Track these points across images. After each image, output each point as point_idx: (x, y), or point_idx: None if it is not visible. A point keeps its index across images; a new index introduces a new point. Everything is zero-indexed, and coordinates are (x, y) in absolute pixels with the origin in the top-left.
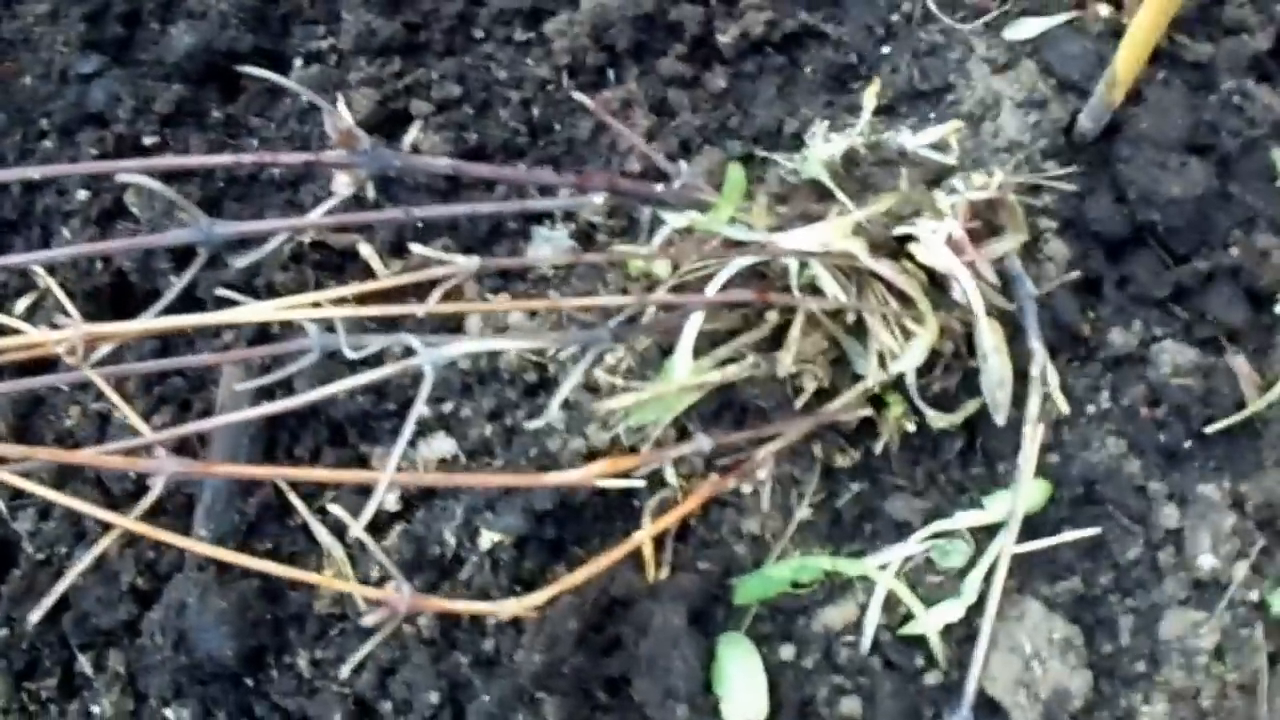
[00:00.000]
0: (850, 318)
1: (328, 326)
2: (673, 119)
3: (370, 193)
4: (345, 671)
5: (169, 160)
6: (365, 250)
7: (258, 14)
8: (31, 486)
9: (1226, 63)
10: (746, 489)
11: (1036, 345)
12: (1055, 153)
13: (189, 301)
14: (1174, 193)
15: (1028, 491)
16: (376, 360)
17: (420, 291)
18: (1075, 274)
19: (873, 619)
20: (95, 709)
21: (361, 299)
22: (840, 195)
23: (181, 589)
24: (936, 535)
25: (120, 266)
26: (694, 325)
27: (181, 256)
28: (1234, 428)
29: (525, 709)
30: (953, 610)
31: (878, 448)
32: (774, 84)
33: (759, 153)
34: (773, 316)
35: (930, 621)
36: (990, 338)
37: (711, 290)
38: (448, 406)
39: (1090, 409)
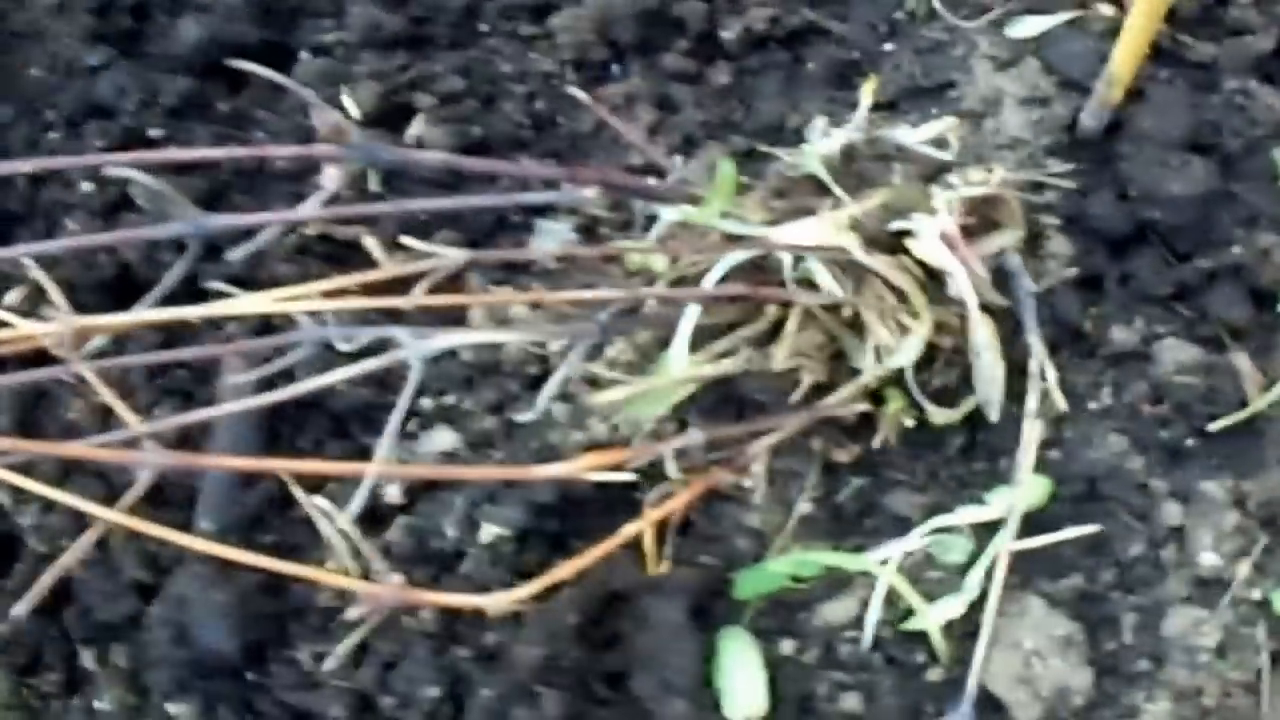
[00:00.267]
0: (847, 313)
1: (324, 319)
2: (676, 114)
3: (374, 185)
4: (331, 664)
5: (165, 154)
6: (369, 242)
7: (265, 7)
8: (24, 482)
9: (1230, 63)
10: (748, 483)
11: (1035, 341)
12: (1057, 150)
13: (192, 294)
14: (1176, 191)
15: (1027, 488)
16: (378, 352)
17: (419, 284)
18: (1076, 271)
19: (873, 614)
20: (98, 705)
21: (361, 291)
22: (837, 190)
23: (183, 582)
24: (937, 531)
25: (125, 259)
26: (689, 319)
27: (185, 248)
28: (1236, 426)
29: (525, 703)
30: (954, 606)
31: (878, 442)
32: (777, 80)
33: (761, 148)
34: (771, 311)
35: (931, 617)
36: (983, 333)
37: (707, 285)
38: (449, 399)
39: (1092, 406)
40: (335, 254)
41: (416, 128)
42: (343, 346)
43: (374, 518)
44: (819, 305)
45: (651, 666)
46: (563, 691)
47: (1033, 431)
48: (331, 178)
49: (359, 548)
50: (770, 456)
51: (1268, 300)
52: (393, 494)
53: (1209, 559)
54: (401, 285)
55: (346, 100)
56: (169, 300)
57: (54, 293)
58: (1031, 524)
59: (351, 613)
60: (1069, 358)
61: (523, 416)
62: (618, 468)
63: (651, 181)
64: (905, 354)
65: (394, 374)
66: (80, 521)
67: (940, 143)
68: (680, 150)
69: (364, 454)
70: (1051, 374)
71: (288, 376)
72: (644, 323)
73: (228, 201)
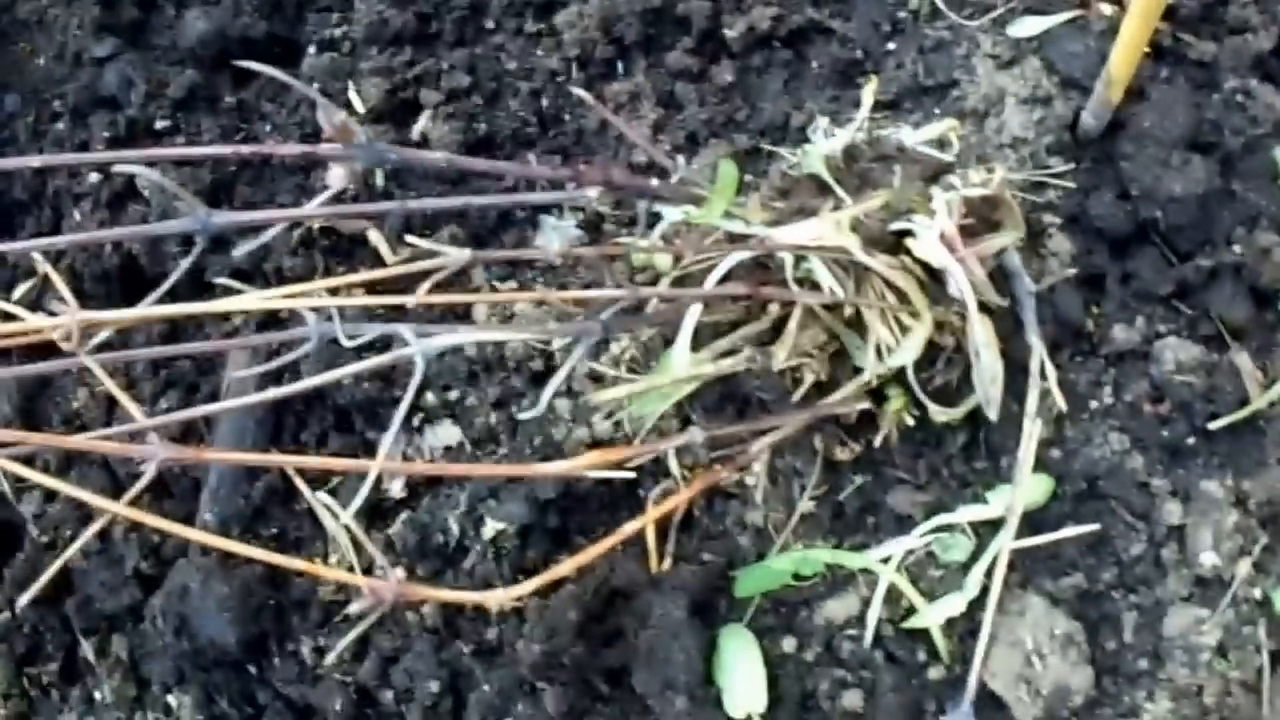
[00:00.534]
0: (848, 312)
1: (329, 315)
2: (680, 112)
3: (380, 181)
4: (332, 658)
5: (171, 150)
6: (374, 237)
7: (272, 1)
8: (30, 473)
9: (1230, 62)
10: (750, 481)
11: (1035, 340)
12: (1059, 149)
13: (198, 286)
14: (1176, 190)
15: (1027, 487)
16: (383, 348)
17: (424, 281)
18: (1077, 270)
19: (875, 612)
20: (97, 695)
21: (366, 287)
22: (838, 190)
23: (184, 574)
24: (938, 529)
25: (130, 250)
26: (691, 318)
27: (190, 241)
28: (1237, 425)
29: (525, 699)
30: (955, 604)
31: (879, 441)
32: (780, 78)
33: (765, 146)
34: (773, 309)
35: (932, 615)
36: (982, 333)
37: (710, 284)
38: (454, 394)
39: (1093, 405)
40: (340, 248)
41: (422, 123)
42: (348, 343)
43: (377, 512)
44: (820, 304)
45: (653, 663)
46: (563, 687)
47: (1033, 430)
48: (337, 177)
49: (362, 542)
50: (772, 454)
51: (1268, 299)
52: (396, 489)
53: (1209, 558)
54: (406, 282)
55: (352, 95)
56: (174, 294)
57: (61, 287)
58: (1032, 523)
59: (354, 607)
60: (1070, 357)
61: (526, 413)
62: (620, 465)
63: (655, 181)
64: (906, 352)
65: (398, 369)
66: (82, 511)
67: (942, 143)
68: (683, 148)
69: (368, 448)
70: (1052, 373)
71: (292, 371)
72: (647, 321)
73: (233, 194)
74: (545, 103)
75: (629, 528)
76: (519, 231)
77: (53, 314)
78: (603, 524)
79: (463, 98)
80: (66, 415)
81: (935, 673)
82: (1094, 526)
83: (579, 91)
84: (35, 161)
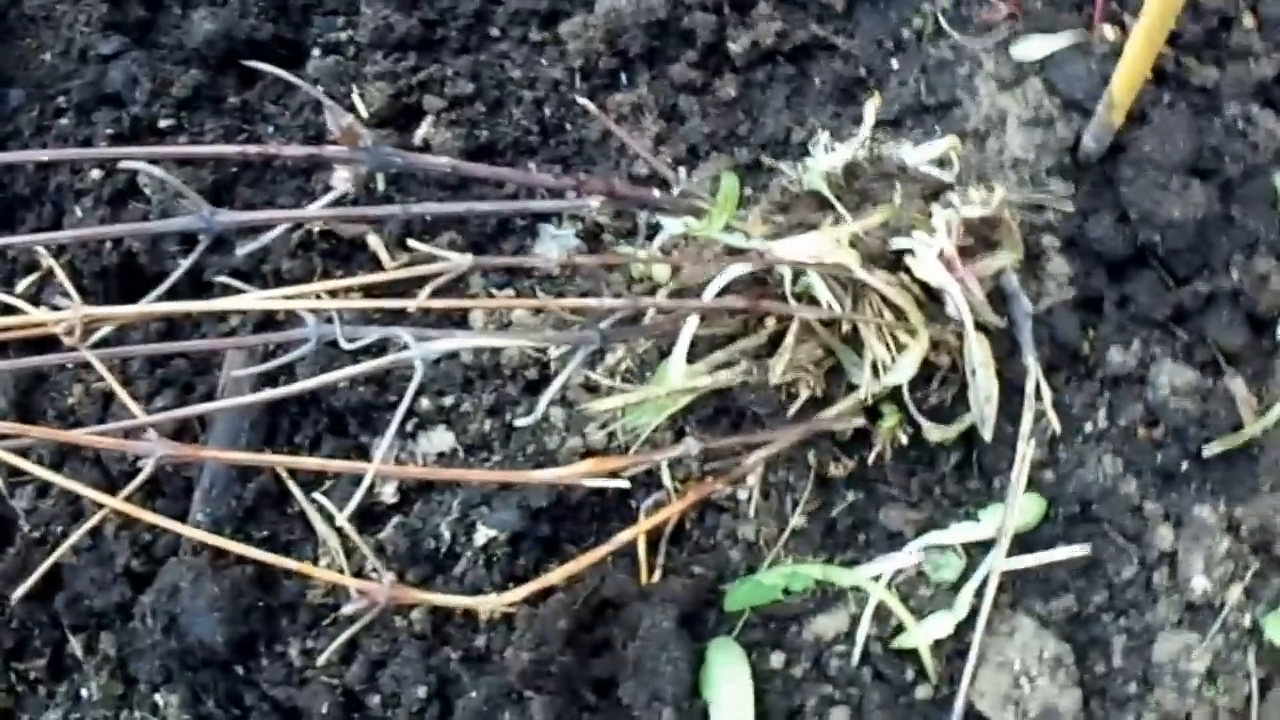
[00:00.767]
0: (845, 328)
1: (328, 317)
2: (682, 125)
3: (380, 185)
4: (323, 659)
5: (175, 149)
6: (373, 241)
7: (278, 3)
8: (28, 465)
9: (1232, 88)
10: (742, 495)
11: (1030, 361)
12: (1059, 171)
13: (197, 286)
14: (1175, 215)
15: (1020, 507)
16: (379, 352)
17: (423, 286)
18: (1075, 292)
19: (864, 630)
20: (84, 692)
21: (364, 290)
22: (838, 207)
23: (175, 573)
24: (930, 548)
25: (130, 247)
26: (689, 329)
27: (190, 239)
28: (1231, 450)
29: (512, 707)
30: (944, 624)
31: (873, 458)
32: (783, 94)
33: (766, 160)
34: (770, 324)
35: (921, 635)
36: (979, 352)
37: (708, 296)
38: (448, 400)
39: (1088, 427)
40: (339, 252)
41: (424, 129)
42: (346, 345)
43: (369, 517)
44: (818, 320)
45: (641, 674)
46: (551, 696)
47: (1027, 451)
48: (342, 179)
49: (355, 544)
50: (765, 469)
51: (1265, 325)
52: (388, 494)
53: (1200, 583)
54: (405, 286)
55: (356, 100)
56: (173, 294)
57: (65, 281)
58: (1024, 544)
59: (346, 608)
60: (1065, 379)
61: (521, 420)
62: (614, 474)
63: (656, 192)
64: (902, 370)
65: (393, 374)
66: (75, 507)
67: (942, 162)
68: (685, 161)
69: (361, 452)
70: (1047, 395)
71: (289, 373)
72: (645, 331)
73: (234, 196)
74: (548, 112)
75: (620, 537)
76: (518, 240)
77: (55, 309)
78: (594, 534)
79: (465, 105)
80: (61, 412)
81: (923, 692)
82: (1085, 549)
83: (583, 101)
84: (42, 156)
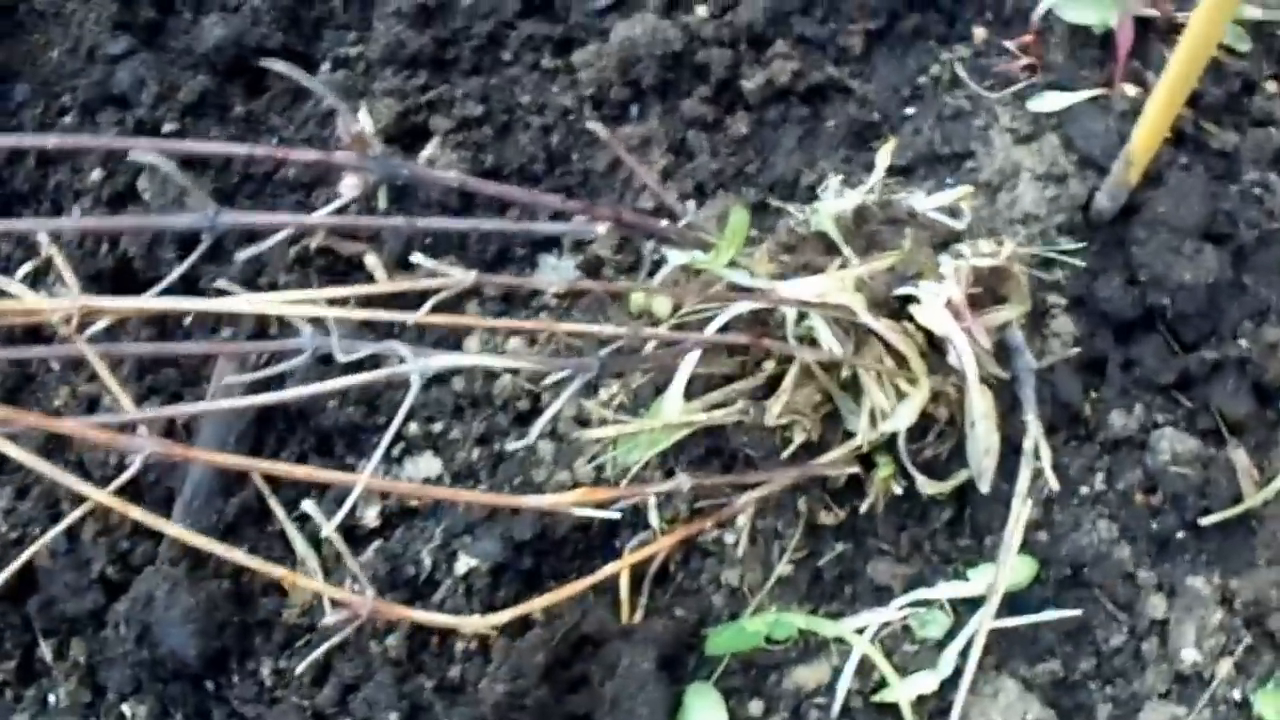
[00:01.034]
0: (845, 373)
1: (324, 330)
2: (690, 160)
3: (383, 203)
4: (300, 669)
5: (183, 144)
6: (370, 260)
7: (290, 14)
8: (13, 450)
9: (1251, 154)
10: (729, 539)
11: (1031, 418)
12: (1070, 229)
13: (192, 294)
14: (1186, 278)
15: (1011, 566)
16: (373, 369)
17: (421, 304)
18: (1079, 352)
19: (845, 683)
20: (51, 698)
21: (361, 303)
22: (845, 250)
23: (151, 582)
24: (917, 603)
25: (125, 251)
26: (689, 363)
27: (186, 245)
28: (1229, 522)
29: None
30: (927, 682)
31: (864, 508)
32: (795, 135)
33: (773, 202)
34: (768, 367)
35: (904, 691)
36: (981, 404)
37: (709, 332)
38: (437, 426)
39: (1084, 490)
40: (337, 269)
41: (430, 150)
42: (341, 357)
43: (350, 540)
44: (817, 363)
45: (617, 714)
46: None
47: (1022, 510)
48: (350, 186)
49: (342, 556)
50: (755, 513)
51: (1271, 396)
52: (370, 517)
53: (1190, 655)
54: (403, 304)
55: (363, 115)
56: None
57: (65, 269)
58: (1013, 605)
59: (325, 620)
60: (1065, 440)
61: (512, 445)
62: (602, 506)
63: (664, 223)
64: (901, 418)
65: (383, 397)
66: (53, 510)
67: (953, 211)
68: (692, 197)
69: (347, 472)
70: (1046, 453)
71: (279, 385)
72: (643, 363)
73: (235, 204)
74: (555, 140)
75: (605, 570)
76: (517, 269)
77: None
78: (577, 571)
79: (473, 127)
80: (47, 412)
81: None
82: (1076, 613)
83: (593, 125)
84: (50, 141)
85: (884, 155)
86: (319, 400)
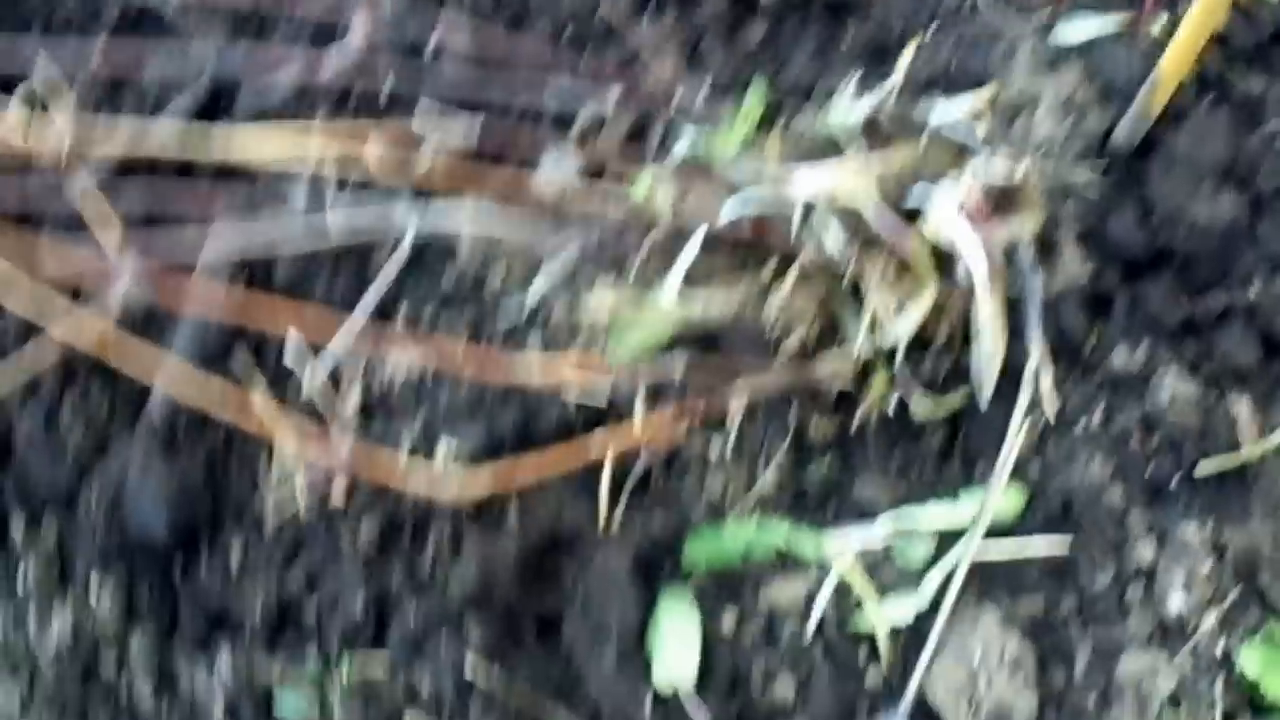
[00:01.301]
0: (847, 280)
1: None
2: (704, 64)
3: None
4: (270, 519)
5: None
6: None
7: None
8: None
9: (1277, 103)
10: (714, 448)
11: (1035, 341)
12: (1086, 161)
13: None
14: (1201, 219)
15: (1001, 491)
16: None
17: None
18: (1086, 285)
19: (821, 603)
20: (20, 575)
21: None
22: (858, 151)
23: (125, 457)
24: (901, 527)
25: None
26: (689, 253)
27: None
28: (1225, 472)
29: (450, 632)
30: (905, 608)
31: (856, 424)
32: (810, 47)
33: (787, 107)
34: (769, 269)
35: (880, 616)
36: (987, 309)
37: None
38: (426, 313)
39: (1080, 426)
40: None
41: (441, 30)
42: (335, 219)
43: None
44: (819, 267)
45: (587, 614)
46: (491, 626)
47: (1017, 435)
48: (361, 22)
49: (323, 398)
50: (743, 420)
51: (1278, 348)
52: (351, 405)
53: (1176, 604)
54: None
55: None
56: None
57: (65, 96)
58: (999, 536)
59: (299, 451)
60: (1065, 374)
61: (503, 322)
62: (592, 385)
63: (676, 97)
64: (902, 327)
65: (371, 266)
66: (31, 385)
67: (969, 126)
68: (706, 102)
69: None
70: (1047, 379)
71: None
72: (643, 245)
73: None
74: (570, 32)
75: (592, 447)
76: (518, 165)
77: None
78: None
79: (488, 12)
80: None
81: (874, 676)
82: (1064, 543)
83: (611, 19)
84: None
85: (904, 61)
86: (309, 274)
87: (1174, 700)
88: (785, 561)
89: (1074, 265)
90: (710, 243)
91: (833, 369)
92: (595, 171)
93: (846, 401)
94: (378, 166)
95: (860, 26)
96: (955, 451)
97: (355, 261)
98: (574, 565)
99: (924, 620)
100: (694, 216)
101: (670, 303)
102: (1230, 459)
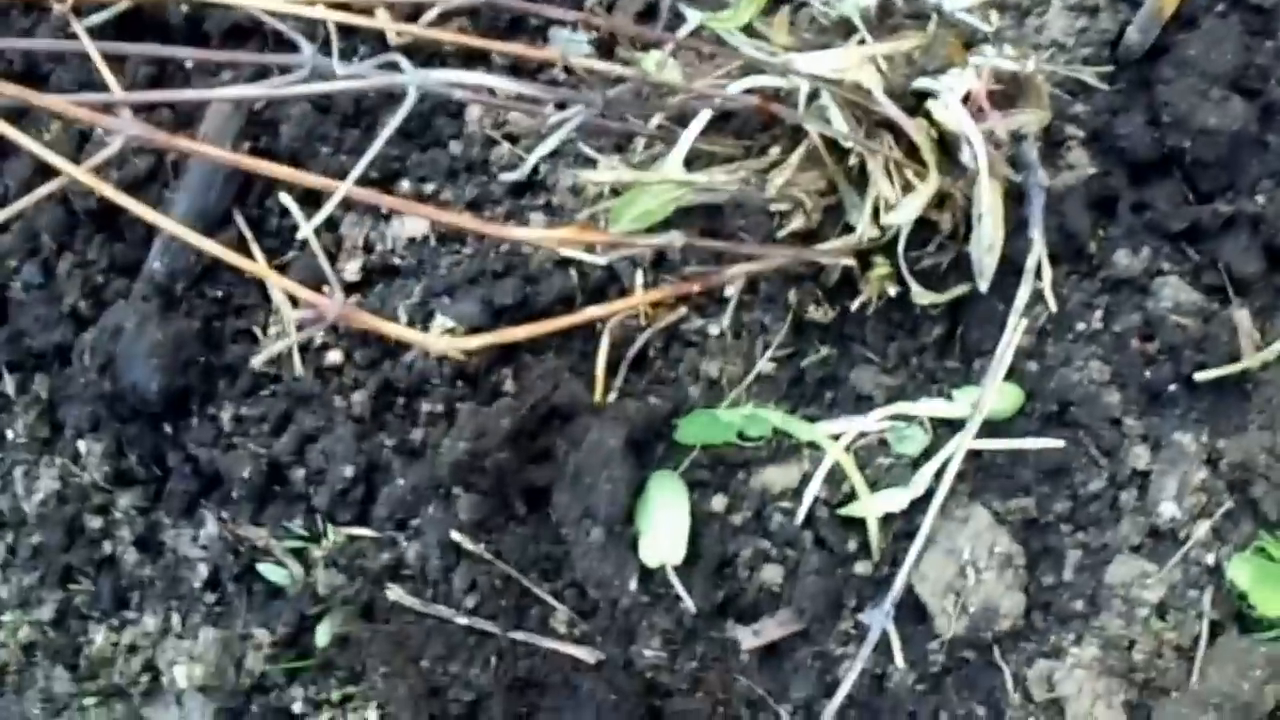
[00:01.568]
0: (852, 161)
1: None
2: None
3: None
4: (258, 362)
5: None
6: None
7: None
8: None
9: None
10: (713, 329)
11: (1036, 235)
12: (1096, 63)
13: (196, 37)
14: (1210, 123)
15: (998, 385)
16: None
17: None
18: (1091, 185)
19: (813, 490)
20: (9, 433)
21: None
22: (866, 35)
23: (121, 314)
24: (897, 417)
25: None
26: (695, 127)
27: None
28: (1223, 381)
29: (438, 501)
30: (897, 499)
31: (855, 309)
32: None
33: None
34: (774, 151)
35: (872, 505)
36: (989, 198)
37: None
38: (429, 187)
39: (1080, 326)
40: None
41: None
42: (340, 72)
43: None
44: (825, 147)
45: (577, 488)
46: (480, 496)
47: (1016, 329)
48: None
49: (316, 259)
50: (742, 301)
51: None
52: (351, 271)
53: (1168, 511)
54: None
55: None
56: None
57: None
58: (994, 433)
59: (295, 315)
60: (1067, 273)
61: (507, 175)
62: (591, 249)
63: None
64: (905, 211)
65: (378, 123)
66: (33, 244)
67: (981, 14)
68: None
69: (333, 224)
70: (1047, 274)
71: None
72: (651, 122)
73: None
74: None
75: (590, 313)
76: (529, 39)
77: None
78: (555, 347)
79: None
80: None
81: (862, 566)
82: (1059, 443)
83: None
84: None
85: None
86: (314, 139)
87: (1161, 609)
88: (779, 447)
89: (1080, 164)
90: (716, 121)
91: (835, 249)
92: (605, 46)
93: (847, 287)
94: (387, 29)
95: None
96: (954, 345)
97: (360, 131)
98: (567, 439)
99: (915, 514)
100: (701, 94)
101: (674, 178)
102: (1229, 368)
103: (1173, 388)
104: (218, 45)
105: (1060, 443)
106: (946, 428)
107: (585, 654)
